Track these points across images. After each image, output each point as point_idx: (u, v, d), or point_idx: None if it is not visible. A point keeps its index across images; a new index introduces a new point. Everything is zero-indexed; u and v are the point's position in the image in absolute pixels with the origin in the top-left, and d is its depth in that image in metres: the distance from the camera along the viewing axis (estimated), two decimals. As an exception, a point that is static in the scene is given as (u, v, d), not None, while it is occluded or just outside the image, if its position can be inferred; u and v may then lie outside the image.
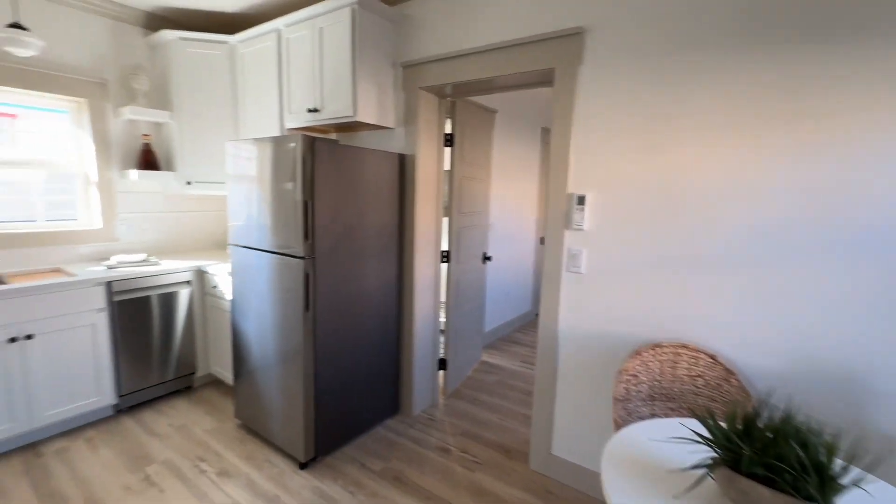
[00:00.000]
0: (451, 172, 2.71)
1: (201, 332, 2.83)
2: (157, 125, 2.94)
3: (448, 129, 2.67)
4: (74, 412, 2.31)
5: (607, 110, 1.79)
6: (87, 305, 2.29)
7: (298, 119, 2.47)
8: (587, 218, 1.87)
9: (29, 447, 2.20)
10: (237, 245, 2.29)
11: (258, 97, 2.68)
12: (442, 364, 2.86)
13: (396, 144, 2.49)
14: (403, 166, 2.46)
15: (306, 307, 1.99)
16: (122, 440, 2.29)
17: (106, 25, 2.69)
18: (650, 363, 1.65)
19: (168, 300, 2.63)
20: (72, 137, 2.70)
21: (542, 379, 2.07)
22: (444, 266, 2.77)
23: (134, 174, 2.75)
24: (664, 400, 1.62)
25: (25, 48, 2.10)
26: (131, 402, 2.57)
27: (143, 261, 2.67)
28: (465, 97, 2.63)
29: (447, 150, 2.67)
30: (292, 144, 1.92)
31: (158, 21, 2.86)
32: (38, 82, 2.47)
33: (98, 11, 2.63)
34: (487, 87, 2.32)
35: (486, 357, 3.60)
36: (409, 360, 2.58)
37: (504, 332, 4.16)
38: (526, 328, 4.37)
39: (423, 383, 2.69)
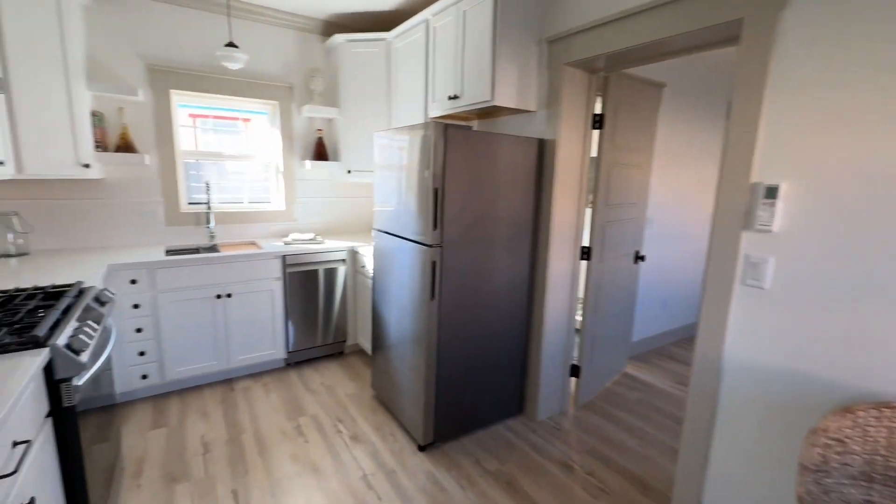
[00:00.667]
0: (598, 158, 2.39)
1: (352, 305, 3.16)
2: (329, 120, 3.35)
3: (598, 109, 2.36)
4: (256, 360, 2.83)
5: (823, 70, 1.29)
6: (268, 274, 2.77)
7: (440, 107, 2.49)
8: (779, 216, 1.41)
9: (226, 382, 2.79)
10: (379, 230, 2.45)
11: (407, 88, 2.80)
12: (574, 371, 2.60)
13: (537, 129, 2.30)
14: (542, 152, 2.26)
15: (431, 295, 2.01)
16: (286, 389, 2.72)
17: (293, 36, 3.15)
18: (869, 428, 1.16)
19: (329, 275, 3.00)
20: (268, 134, 3.28)
21: (695, 412, 1.68)
22: (585, 263, 2.49)
23: (308, 164, 3.20)
24: (891, 485, 1.12)
25: (236, 62, 2.58)
26: (296, 359, 3.04)
27: (312, 239, 3.10)
28: (621, 69, 2.26)
29: (595, 133, 2.36)
30: (426, 132, 1.93)
31: (332, 27, 3.22)
32: (245, 90, 3.03)
33: (288, 25, 3.09)
34: (651, 53, 1.94)
35: (630, 369, 3.17)
36: (536, 360, 2.41)
37: (657, 344, 3.60)
38: (686, 343, 3.71)
39: (551, 388, 2.49)
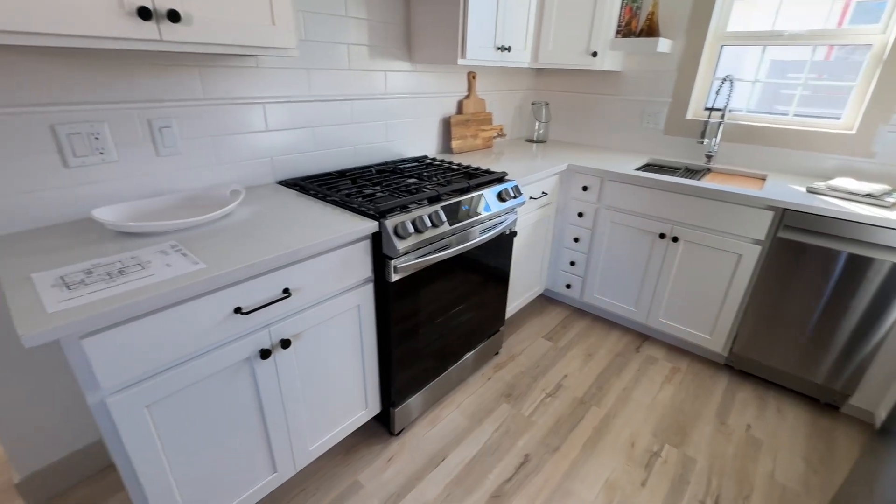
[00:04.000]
0: None
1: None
2: None
3: None
4: (682, 334, 2.07)
5: None
6: (741, 229, 1.76)
7: None
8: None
9: (639, 336, 2.27)
10: None
11: None
12: None
13: None
14: None
15: None
16: (701, 396, 1.87)
17: None
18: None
19: (865, 268, 1.55)
20: (890, -12, 1.77)
21: None
22: None
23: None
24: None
25: None
26: (742, 366, 1.97)
27: (876, 197, 1.62)
28: None
29: None
30: None
31: None
32: None
33: None
34: None
35: None
36: None
37: None
38: None
39: None
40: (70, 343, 0.78)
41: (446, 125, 2.25)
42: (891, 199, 1.60)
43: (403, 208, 1.35)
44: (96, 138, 1.17)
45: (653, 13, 2.19)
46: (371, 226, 1.24)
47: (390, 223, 1.26)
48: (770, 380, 1.94)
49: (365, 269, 1.29)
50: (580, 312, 2.48)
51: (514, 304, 2.20)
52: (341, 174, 1.69)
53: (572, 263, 2.35)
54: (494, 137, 2.52)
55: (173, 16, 0.96)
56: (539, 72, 2.77)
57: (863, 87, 1.88)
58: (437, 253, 1.40)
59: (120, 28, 0.90)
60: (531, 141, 2.76)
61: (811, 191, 1.76)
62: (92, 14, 0.86)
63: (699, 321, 2.00)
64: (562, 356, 2.10)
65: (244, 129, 1.47)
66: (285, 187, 1.55)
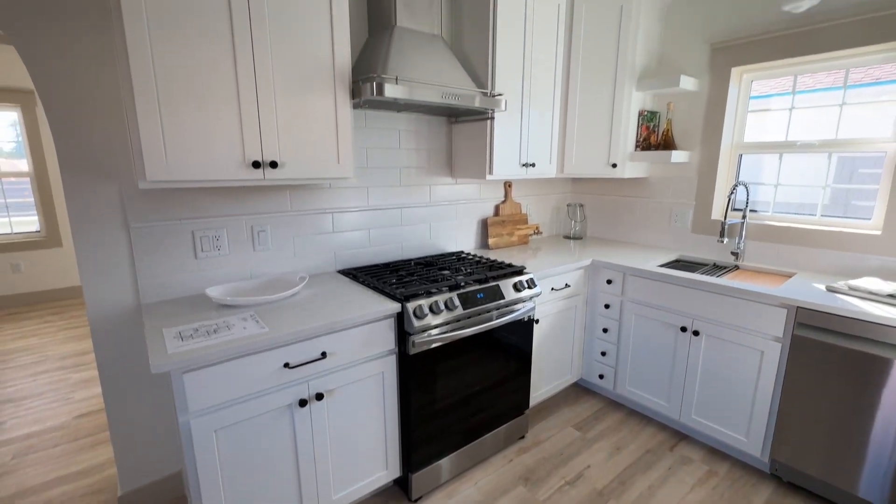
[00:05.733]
0: None
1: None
2: None
3: None
4: (717, 434, 2.00)
5: None
6: (761, 326, 1.79)
7: None
8: None
9: (676, 435, 2.20)
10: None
11: None
12: None
13: None
14: None
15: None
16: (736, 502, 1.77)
17: None
18: None
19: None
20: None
21: None
22: None
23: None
24: None
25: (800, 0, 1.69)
26: (790, 477, 1.83)
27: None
28: None
29: None
30: None
31: None
32: (855, 35, 1.88)
33: None
34: None
35: None
36: None
37: None
38: None
39: None
40: (177, 375, 1.18)
41: (484, 225, 2.63)
42: (915, 300, 1.57)
43: (428, 293, 1.68)
44: (217, 239, 1.70)
45: (668, 130, 2.48)
46: (395, 307, 1.57)
47: (411, 305, 1.59)
48: (823, 495, 1.77)
49: (388, 341, 1.60)
50: (615, 405, 2.47)
51: (542, 391, 2.31)
52: (387, 266, 2.10)
53: (603, 354, 2.43)
54: (531, 235, 2.84)
55: (273, 164, 1.48)
56: (573, 178, 3.12)
57: (885, 190, 1.93)
58: (451, 332, 1.68)
59: (241, 174, 1.43)
60: (568, 237, 3.02)
61: (831, 289, 1.77)
62: (226, 168, 1.40)
63: (732, 421, 1.94)
64: (588, 447, 2.12)
65: (317, 231, 1.97)
66: (342, 275, 1.98)
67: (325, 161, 1.62)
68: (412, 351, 1.61)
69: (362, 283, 1.85)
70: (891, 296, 1.62)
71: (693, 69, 2.41)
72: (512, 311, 1.91)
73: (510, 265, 2.07)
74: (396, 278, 1.86)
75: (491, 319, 1.83)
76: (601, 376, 2.46)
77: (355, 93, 1.64)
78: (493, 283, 1.86)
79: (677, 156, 2.39)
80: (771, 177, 2.30)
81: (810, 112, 2.14)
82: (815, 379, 1.68)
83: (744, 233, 2.28)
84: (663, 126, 2.54)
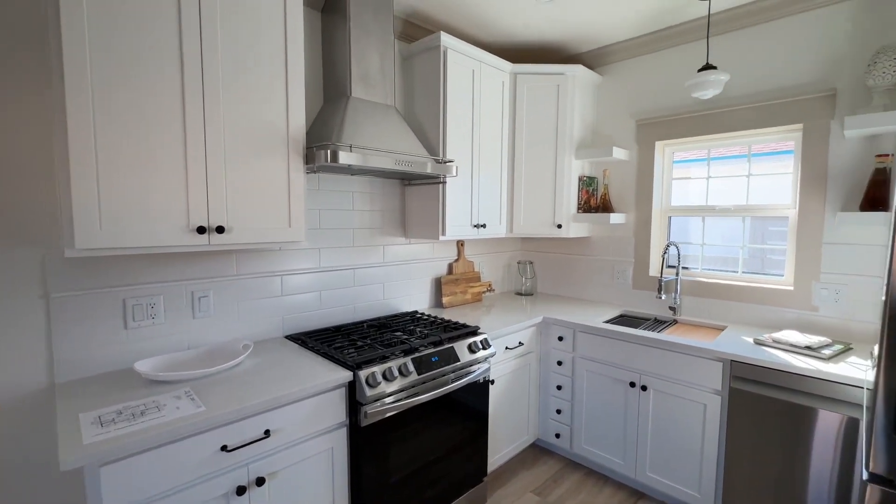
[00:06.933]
0: None
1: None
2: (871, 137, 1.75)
3: None
4: (671, 490, 2.02)
5: None
6: (701, 380, 1.88)
7: None
8: None
9: (634, 493, 2.19)
10: None
11: None
12: None
13: None
14: None
15: None
16: (686, 564, 1.75)
17: (820, 19, 1.90)
18: None
19: (828, 425, 1.61)
20: (788, 173, 2.19)
21: None
22: None
23: (849, 216, 1.83)
24: None
25: (706, 89, 1.96)
26: (741, 531, 1.86)
27: (814, 350, 1.77)
28: None
29: None
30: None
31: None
32: (752, 119, 2.19)
33: (807, 7, 1.90)
34: None
35: None
36: None
37: None
38: None
39: None
40: (92, 469, 1.03)
41: (438, 284, 2.64)
42: (827, 352, 1.74)
43: (381, 359, 1.63)
44: (152, 307, 1.58)
45: (605, 194, 2.70)
46: (346, 375, 1.51)
47: (363, 373, 1.53)
48: (773, 548, 1.81)
49: (339, 413, 1.52)
50: (573, 465, 2.44)
51: (500, 455, 2.24)
52: (337, 329, 2.03)
53: (559, 412, 2.43)
54: (484, 292, 2.88)
55: (220, 229, 1.43)
56: (523, 237, 3.26)
57: (791, 251, 2.17)
58: (406, 400, 1.62)
59: (185, 240, 1.36)
60: (520, 293, 3.10)
61: (758, 342, 1.92)
62: (168, 235, 1.33)
63: (684, 476, 1.97)
64: (549, 513, 2.05)
65: (263, 295, 1.89)
66: (290, 341, 1.88)
67: (275, 225, 1.59)
68: (364, 422, 1.52)
69: (311, 349, 1.76)
70: (807, 347, 1.78)
71: (623, 141, 2.68)
72: (468, 374, 1.88)
73: (465, 325, 2.07)
74: (348, 342, 1.79)
75: (447, 383, 1.79)
76: (557, 435, 2.44)
77: (309, 158, 1.66)
78: (448, 346, 1.84)
79: (615, 217, 2.59)
80: (697, 237, 2.53)
81: (725, 181, 2.42)
82: (754, 430, 1.77)
83: (679, 288, 2.45)
84: (601, 190, 2.76)
